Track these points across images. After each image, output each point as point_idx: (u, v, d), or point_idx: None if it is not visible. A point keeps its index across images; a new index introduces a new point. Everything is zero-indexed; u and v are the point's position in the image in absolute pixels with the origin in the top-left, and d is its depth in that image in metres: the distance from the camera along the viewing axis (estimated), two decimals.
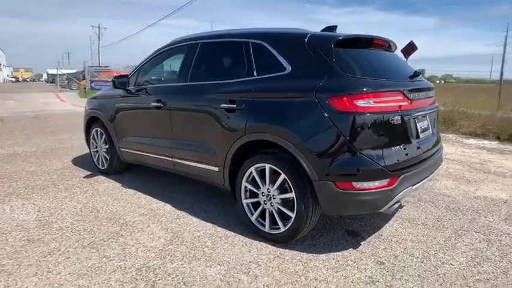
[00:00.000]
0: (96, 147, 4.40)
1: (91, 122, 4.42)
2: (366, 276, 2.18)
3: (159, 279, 2.13)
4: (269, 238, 2.58)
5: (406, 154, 2.33)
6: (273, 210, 2.53)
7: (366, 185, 2.16)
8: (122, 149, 3.92)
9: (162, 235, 2.71)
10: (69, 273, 2.19)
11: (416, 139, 2.47)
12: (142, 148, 3.64)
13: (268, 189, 2.54)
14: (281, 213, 2.50)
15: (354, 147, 2.15)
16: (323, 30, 2.82)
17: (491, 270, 2.26)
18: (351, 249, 2.52)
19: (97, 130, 4.30)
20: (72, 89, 24.23)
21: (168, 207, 3.28)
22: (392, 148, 2.26)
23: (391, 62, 2.71)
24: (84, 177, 4.21)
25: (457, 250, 2.52)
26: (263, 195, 2.58)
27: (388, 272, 2.22)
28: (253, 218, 2.67)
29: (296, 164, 2.35)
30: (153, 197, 3.53)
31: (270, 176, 2.52)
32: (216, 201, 3.40)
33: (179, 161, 3.23)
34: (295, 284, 2.09)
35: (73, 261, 2.32)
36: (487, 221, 3.03)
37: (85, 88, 20.93)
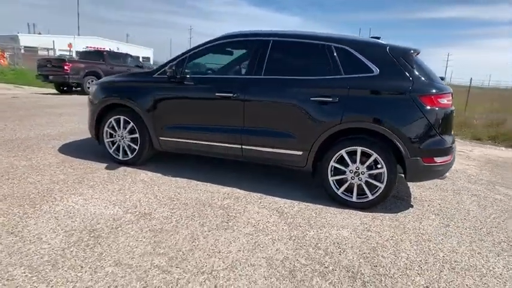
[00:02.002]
0: (113, 136, 4.14)
1: (105, 110, 4.12)
2: (439, 222, 3.08)
3: (317, 243, 2.57)
4: (356, 206, 3.23)
5: (453, 137, 3.31)
6: (362, 184, 3.20)
7: (441, 159, 3.05)
8: (163, 138, 3.88)
9: (270, 213, 3.06)
10: (239, 250, 2.41)
11: None
12: (195, 137, 3.72)
13: (357, 167, 3.18)
14: (368, 185, 3.19)
15: (437, 132, 3.00)
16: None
17: (494, 211, 3.47)
18: (410, 208, 3.40)
19: (118, 119, 4.05)
20: None
21: (240, 190, 3.54)
22: (451, 132, 3.20)
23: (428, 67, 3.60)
24: (105, 169, 3.96)
25: (466, 202, 3.68)
26: (351, 172, 3.21)
27: (448, 218, 3.19)
28: (339, 192, 3.27)
29: (387, 146, 3.07)
30: (213, 183, 3.68)
31: (360, 156, 3.16)
32: (277, 182, 3.83)
33: (251, 147, 3.52)
34: (407, 233, 2.83)
35: (225, 241, 2.52)
36: (462, 184, 4.36)
37: None
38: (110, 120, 4.09)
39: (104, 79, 4.41)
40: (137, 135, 3.98)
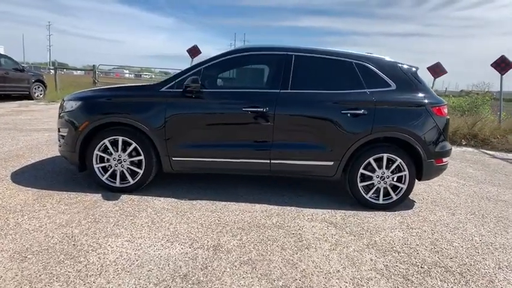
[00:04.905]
0: (105, 161, 3.53)
1: (95, 130, 3.48)
2: (446, 213, 3.68)
3: (392, 247, 2.79)
4: (382, 207, 3.57)
5: None
6: (387, 187, 3.57)
7: (446, 159, 3.65)
8: (176, 159, 3.50)
9: (323, 225, 3.13)
10: (343, 267, 2.45)
11: None
12: (217, 154, 3.49)
13: (383, 172, 3.54)
14: (392, 187, 3.58)
15: (444, 137, 3.58)
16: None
17: (465, 196, 4.31)
18: (415, 203, 3.92)
19: (115, 140, 3.47)
20: None
21: (271, 206, 3.48)
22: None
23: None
24: (105, 199, 3.36)
25: (442, 192, 4.46)
26: (377, 177, 3.55)
27: (447, 208, 3.81)
28: (367, 196, 3.57)
29: (407, 151, 3.51)
30: (238, 201, 3.53)
31: (386, 162, 3.52)
32: (295, 192, 3.90)
33: (280, 161, 3.50)
34: (437, 225, 3.31)
35: (322, 261, 2.52)
36: None
37: None
38: (102, 142, 3.47)
39: (86, 94, 3.67)
40: (142, 157, 3.48)
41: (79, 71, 43.74)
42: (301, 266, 2.42)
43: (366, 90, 3.49)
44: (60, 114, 3.73)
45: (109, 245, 2.51)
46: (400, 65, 3.63)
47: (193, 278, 2.18)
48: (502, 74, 8.72)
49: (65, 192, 3.46)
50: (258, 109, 3.39)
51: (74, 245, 2.47)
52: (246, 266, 2.36)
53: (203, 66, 3.51)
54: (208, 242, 2.67)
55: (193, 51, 11.54)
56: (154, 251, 2.47)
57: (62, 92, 14.26)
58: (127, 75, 44.03)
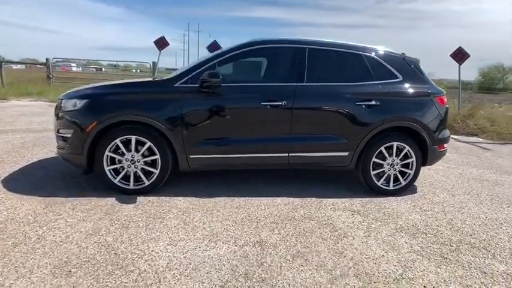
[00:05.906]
0: (116, 162, 3.34)
1: (104, 130, 3.27)
2: (446, 194, 3.97)
3: (418, 229, 2.97)
4: (392, 192, 3.76)
5: None
6: (397, 173, 3.77)
7: (446, 145, 3.93)
8: (194, 156, 3.40)
9: (347, 214, 3.24)
10: (385, 252, 2.57)
11: None
12: (236, 150, 3.44)
13: (393, 159, 3.72)
14: (401, 173, 3.79)
15: (445, 124, 3.85)
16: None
17: (455, 178, 4.68)
18: (418, 188, 4.19)
19: (127, 139, 3.29)
20: None
21: (291, 198, 3.52)
22: None
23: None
24: (122, 203, 3.20)
25: (434, 176, 4.79)
26: (388, 165, 3.73)
27: (445, 190, 4.12)
28: (379, 183, 3.75)
29: (414, 139, 3.72)
30: (259, 196, 3.52)
31: (395, 150, 3.71)
32: (306, 182, 3.97)
33: (298, 154, 3.54)
34: (445, 206, 3.57)
35: (364, 248, 2.62)
36: None
37: None
38: (113, 142, 3.27)
39: (90, 91, 3.39)
40: (157, 156, 3.34)
41: (19, 65, 40.02)
42: (348, 254, 2.50)
43: (376, 81, 3.62)
44: (58, 114, 3.44)
45: (152, 250, 2.39)
46: (404, 57, 3.82)
47: (255, 275, 2.17)
48: (459, 64, 9.44)
49: (74, 198, 3.22)
50: (276, 103, 3.38)
51: (115, 254, 2.32)
52: (299, 259, 2.39)
53: (217, 60, 3.43)
54: (250, 238, 2.65)
55: (161, 43, 11.05)
56: (202, 253, 2.40)
57: (12, 88, 13.00)
58: (74, 69, 41.26)
